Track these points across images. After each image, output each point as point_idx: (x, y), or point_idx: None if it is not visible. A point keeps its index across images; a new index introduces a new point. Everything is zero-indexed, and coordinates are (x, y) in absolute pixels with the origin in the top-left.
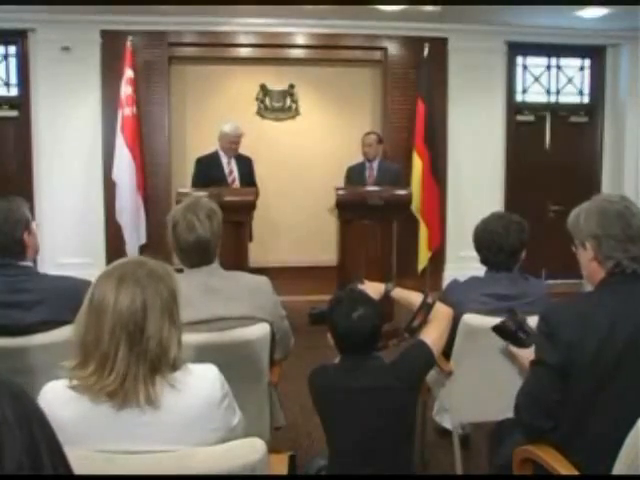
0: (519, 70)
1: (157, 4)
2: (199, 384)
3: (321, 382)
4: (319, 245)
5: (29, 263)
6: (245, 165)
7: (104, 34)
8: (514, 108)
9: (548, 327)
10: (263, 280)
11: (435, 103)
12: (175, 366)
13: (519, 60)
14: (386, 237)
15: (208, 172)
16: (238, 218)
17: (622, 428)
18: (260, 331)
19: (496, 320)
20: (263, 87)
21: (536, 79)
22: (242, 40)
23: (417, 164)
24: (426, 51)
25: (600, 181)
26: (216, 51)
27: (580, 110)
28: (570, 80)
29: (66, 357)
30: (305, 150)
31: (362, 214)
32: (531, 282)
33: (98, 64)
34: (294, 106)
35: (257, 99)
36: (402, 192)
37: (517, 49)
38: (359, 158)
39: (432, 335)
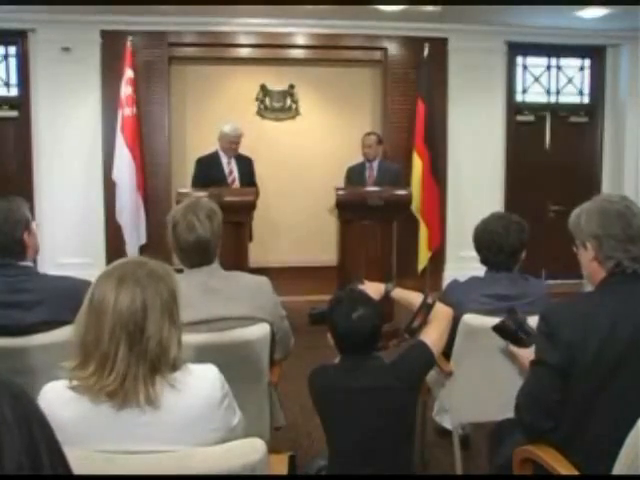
0: (519, 70)
1: (157, 4)
2: (199, 384)
3: (321, 382)
4: (319, 245)
5: (29, 263)
6: (245, 165)
7: (104, 34)
8: (514, 108)
9: (548, 327)
10: (263, 280)
11: (435, 103)
12: (175, 366)
13: (519, 60)
14: (386, 237)
15: (208, 172)
16: (238, 218)
17: (622, 428)
18: (260, 331)
19: (496, 320)
20: (263, 87)
21: (536, 79)
22: (242, 40)
23: (417, 164)
24: (426, 51)
25: (600, 181)
26: (216, 51)
27: (580, 110)
28: (570, 80)
29: (66, 357)
30: (305, 150)
31: (362, 214)
32: (531, 282)
33: (98, 64)
34: (294, 106)
35: (257, 99)
36: (402, 192)
37: (517, 49)
38: (359, 158)
39: (432, 335)
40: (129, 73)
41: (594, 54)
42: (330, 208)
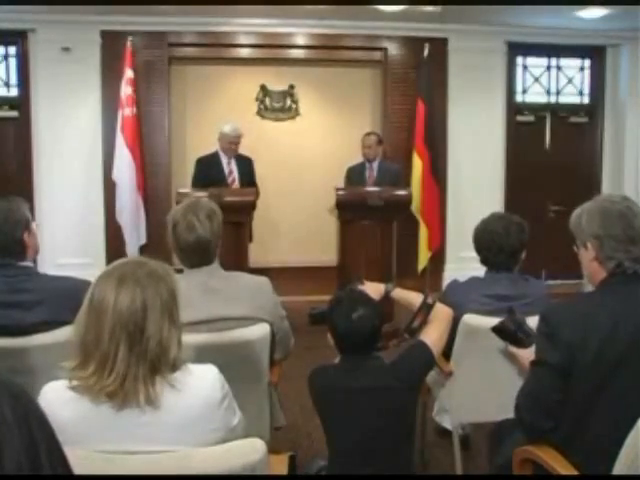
0: (519, 70)
1: (157, 4)
2: (199, 384)
3: (321, 382)
4: (319, 245)
5: (29, 263)
6: (245, 165)
7: (104, 34)
8: (514, 108)
9: (548, 327)
10: (263, 280)
11: (435, 103)
12: (175, 366)
13: (519, 60)
14: (386, 237)
15: (208, 172)
16: (238, 218)
17: (622, 428)
18: (260, 331)
19: (496, 320)
20: (263, 87)
21: (536, 79)
22: (242, 40)
23: (417, 164)
24: (426, 51)
25: (600, 181)
26: (216, 51)
27: (580, 110)
28: (570, 80)
29: (66, 357)
30: (305, 150)
31: (362, 214)
32: (531, 282)
33: (98, 64)
34: (294, 106)
35: (257, 99)
36: (402, 192)
37: (517, 49)
38: (359, 158)
39: (432, 335)
40: (129, 73)
41: (594, 54)
42: (330, 208)
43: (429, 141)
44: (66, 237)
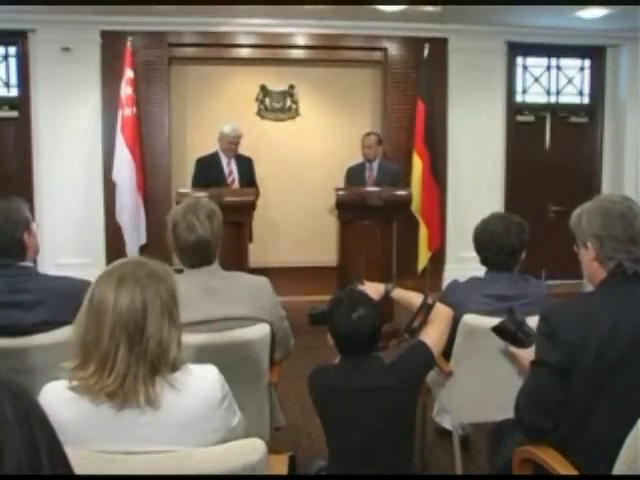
0: (519, 70)
1: (157, 4)
2: (199, 384)
3: (321, 382)
4: (319, 245)
5: (29, 263)
6: (245, 165)
7: (104, 34)
8: (514, 108)
9: (549, 327)
10: (263, 280)
11: (435, 103)
12: (175, 366)
13: (519, 60)
14: (386, 237)
15: (208, 172)
16: (238, 219)
17: (622, 428)
18: (260, 331)
19: (496, 321)
20: (263, 88)
21: (536, 79)
22: (242, 40)
23: (417, 164)
24: (426, 51)
25: (600, 181)
26: (216, 51)
27: (580, 110)
28: (570, 80)
29: (66, 358)
30: (305, 150)
31: (362, 214)
32: (531, 283)
33: (98, 64)
34: (294, 106)
35: (257, 99)
36: (402, 192)
37: (517, 49)
38: (359, 158)
39: (432, 336)
40: (129, 73)
41: (594, 54)
42: (330, 208)
43: (429, 141)
44: (66, 237)
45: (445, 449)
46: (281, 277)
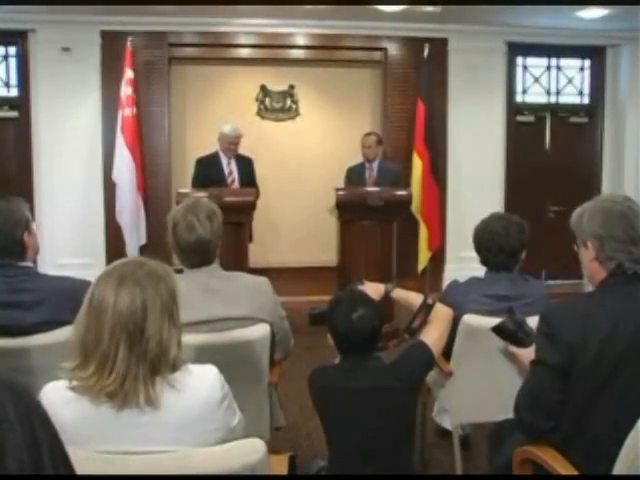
0: (519, 70)
1: (157, 4)
2: (199, 385)
3: (321, 382)
4: (319, 246)
5: (29, 263)
6: (245, 165)
7: (104, 34)
8: (514, 108)
9: (549, 327)
10: (263, 281)
11: (435, 103)
12: (175, 366)
13: (519, 60)
14: (386, 237)
15: (208, 172)
16: (238, 219)
17: (622, 428)
18: (260, 332)
19: (496, 321)
20: (263, 88)
21: (536, 79)
22: (242, 40)
23: (417, 164)
24: (426, 51)
25: (600, 181)
26: (216, 51)
27: (580, 111)
28: (570, 81)
29: (66, 358)
30: (305, 150)
31: (362, 215)
32: (531, 283)
33: (98, 64)
34: (294, 107)
35: (257, 100)
36: (402, 192)
37: (517, 49)
38: (359, 158)
39: (432, 336)
40: (129, 73)
41: (594, 54)
42: (330, 208)
43: (429, 141)
44: (66, 237)
45: (445, 449)
46: (281, 277)
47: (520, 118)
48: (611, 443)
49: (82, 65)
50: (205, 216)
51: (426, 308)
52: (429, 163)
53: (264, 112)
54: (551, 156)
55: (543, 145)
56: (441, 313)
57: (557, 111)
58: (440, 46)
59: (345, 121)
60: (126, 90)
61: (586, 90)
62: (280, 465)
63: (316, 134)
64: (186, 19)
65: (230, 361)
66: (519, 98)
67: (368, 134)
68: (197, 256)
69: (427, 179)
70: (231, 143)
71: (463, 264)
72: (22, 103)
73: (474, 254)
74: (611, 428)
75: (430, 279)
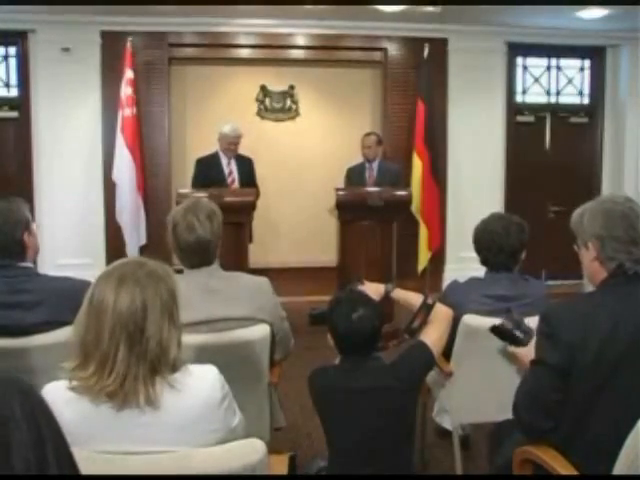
0: (519, 71)
1: (157, 4)
2: (199, 385)
3: (321, 383)
4: (319, 246)
5: (29, 264)
6: (245, 165)
7: (104, 35)
8: (514, 109)
9: (549, 327)
10: (263, 281)
11: (435, 103)
12: (175, 367)
13: (519, 61)
14: (386, 238)
15: (208, 173)
16: (238, 219)
17: (622, 429)
18: (260, 332)
19: (496, 321)
20: (263, 88)
21: (536, 80)
22: (242, 41)
23: (417, 165)
24: (426, 52)
25: (600, 181)
26: (216, 52)
27: (580, 111)
28: (570, 81)
29: (66, 358)
30: (305, 151)
31: (362, 215)
32: (531, 283)
33: (98, 65)
34: (294, 107)
35: (257, 100)
36: (402, 193)
37: (517, 50)
38: (359, 158)
39: (432, 336)
40: (129, 73)
41: (594, 55)
42: (330, 208)
43: (429, 141)
44: (66, 237)
45: (445, 449)
46: (281, 277)
47: (520, 118)
48: (611, 443)
49: (82, 65)
50: (205, 216)
51: (426, 308)
52: (429, 163)
53: (264, 112)
54: (551, 156)
55: (543, 145)
56: (441, 313)
57: (557, 111)
58: (440, 46)
59: (345, 121)
60: (126, 90)
61: (586, 90)
62: (280, 465)
63: (316, 134)
64: (186, 19)
65: (230, 361)
66: (519, 98)
67: (368, 134)
68: (197, 256)
69: (427, 179)
70: (231, 143)
71: (463, 264)
72: (22, 103)
73: (474, 254)
74: (611, 428)
75: (430, 279)
